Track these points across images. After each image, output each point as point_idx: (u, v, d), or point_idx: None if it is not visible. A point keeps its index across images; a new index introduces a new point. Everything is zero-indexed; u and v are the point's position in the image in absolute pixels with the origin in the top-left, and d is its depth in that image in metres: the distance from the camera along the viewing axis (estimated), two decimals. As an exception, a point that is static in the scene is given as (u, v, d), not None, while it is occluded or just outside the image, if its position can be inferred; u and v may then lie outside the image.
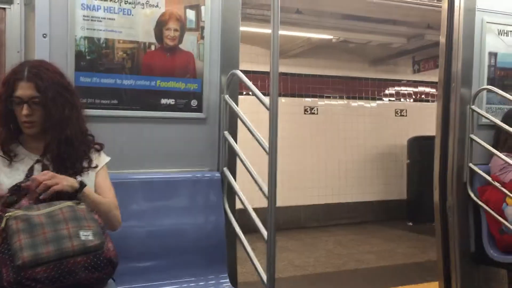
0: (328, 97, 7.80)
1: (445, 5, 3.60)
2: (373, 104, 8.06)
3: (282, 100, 7.39)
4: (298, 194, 7.38)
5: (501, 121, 3.34)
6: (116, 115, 2.61)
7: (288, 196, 7.20)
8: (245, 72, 2.72)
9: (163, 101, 2.71)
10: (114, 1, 2.59)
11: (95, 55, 2.54)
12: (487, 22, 3.47)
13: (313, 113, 7.66)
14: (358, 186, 7.83)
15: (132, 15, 2.63)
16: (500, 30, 3.52)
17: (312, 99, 7.67)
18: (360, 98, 7.97)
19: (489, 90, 3.41)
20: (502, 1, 3.53)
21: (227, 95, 2.78)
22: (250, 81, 2.55)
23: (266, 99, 2.27)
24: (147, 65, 2.66)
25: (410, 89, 8.30)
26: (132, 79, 2.63)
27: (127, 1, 2.61)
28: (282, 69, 7.41)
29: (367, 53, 7.60)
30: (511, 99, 3.22)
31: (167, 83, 2.71)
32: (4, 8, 2.50)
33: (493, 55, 3.51)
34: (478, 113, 3.39)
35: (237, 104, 2.79)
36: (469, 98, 3.43)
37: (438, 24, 3.68)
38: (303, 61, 7.49)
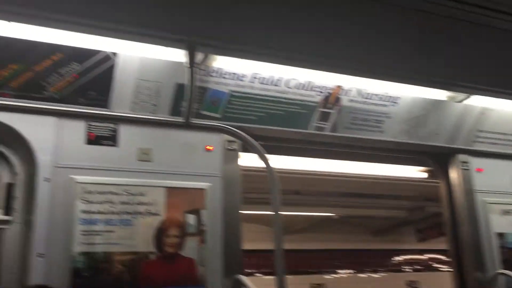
0: (334, 272, 7.52)
1: (443, 185, 3.65)
2: (383, 275, 7.74)
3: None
4: None
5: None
6: None
7: None
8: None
9: (163, 315, 2.53)
10: (114, 213, 2.57)
11: (92, 271, 2.44)
12: (488, 203, 3.47)
13: (321, 292, 7.31)
14: None
15: (132, 225, 2.59)
16: (504, 210, 3.50)
17: (317, 275, 7.39)
18: (368, 271, 7.68)
19: (505, 274, 3.25)
20: (501, 181, 3.59)
21: (232, 303, 2.62)
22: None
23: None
24: (147, 277, 2.54)
25: (418, 258, 8.06)
26: (130, 293, 2.49)
27: (127, 211, 2.60)
28: (285, 245, 7.27)
29: (370, 224, 7.55)
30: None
31: (167, 294, 2.56)
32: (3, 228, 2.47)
33: (501, 235, 3.43)
34: (500, 301, 3.19)
35: (242, 312, 2.62)
36: (486, 282, 3.25)
37: (435, 197, 3.72)
38: (305, 236, 7.38)
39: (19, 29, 2.27)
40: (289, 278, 7.64)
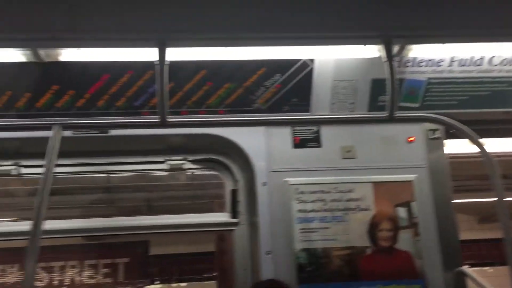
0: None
1: None
2: None
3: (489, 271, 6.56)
4: None
5: None
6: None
7: None
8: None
9: (384, 310, 2.57)
10: (327, 210, 2.69)
11: (314, 266, 2.59)
12: None
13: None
14: None
15: (345, 221, 2.68)
16: None
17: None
18: None
19: None
20: None
21: (455, 298, 2.54)
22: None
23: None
24: (365, 270, 2.60)
25: None
26: (351, 287, 2.58)
27: (338, 208, 2.70)
28: (489, 234, 6.71)
29: None
30: None
31: (388, 287, 2.59)
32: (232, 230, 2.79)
33: None
34: None
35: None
36: None
37: None
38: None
39: (229, 51, 2.53)
40: (500, 269, 7.02)
